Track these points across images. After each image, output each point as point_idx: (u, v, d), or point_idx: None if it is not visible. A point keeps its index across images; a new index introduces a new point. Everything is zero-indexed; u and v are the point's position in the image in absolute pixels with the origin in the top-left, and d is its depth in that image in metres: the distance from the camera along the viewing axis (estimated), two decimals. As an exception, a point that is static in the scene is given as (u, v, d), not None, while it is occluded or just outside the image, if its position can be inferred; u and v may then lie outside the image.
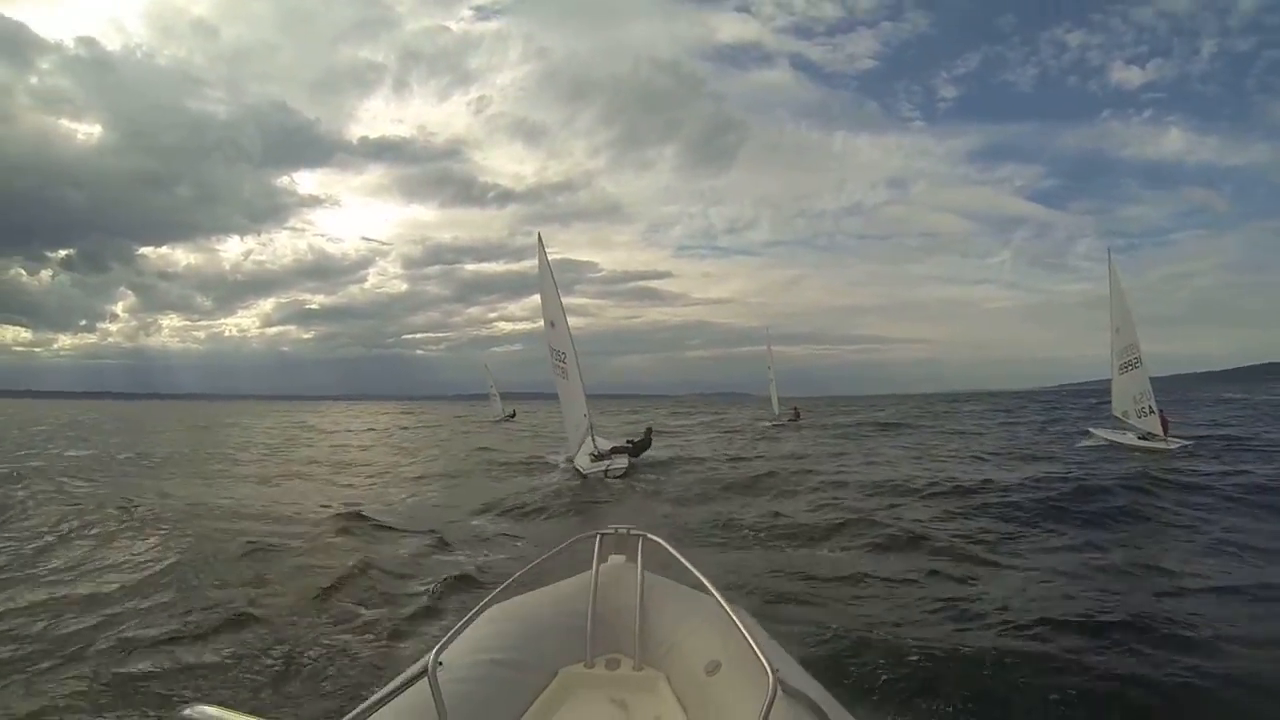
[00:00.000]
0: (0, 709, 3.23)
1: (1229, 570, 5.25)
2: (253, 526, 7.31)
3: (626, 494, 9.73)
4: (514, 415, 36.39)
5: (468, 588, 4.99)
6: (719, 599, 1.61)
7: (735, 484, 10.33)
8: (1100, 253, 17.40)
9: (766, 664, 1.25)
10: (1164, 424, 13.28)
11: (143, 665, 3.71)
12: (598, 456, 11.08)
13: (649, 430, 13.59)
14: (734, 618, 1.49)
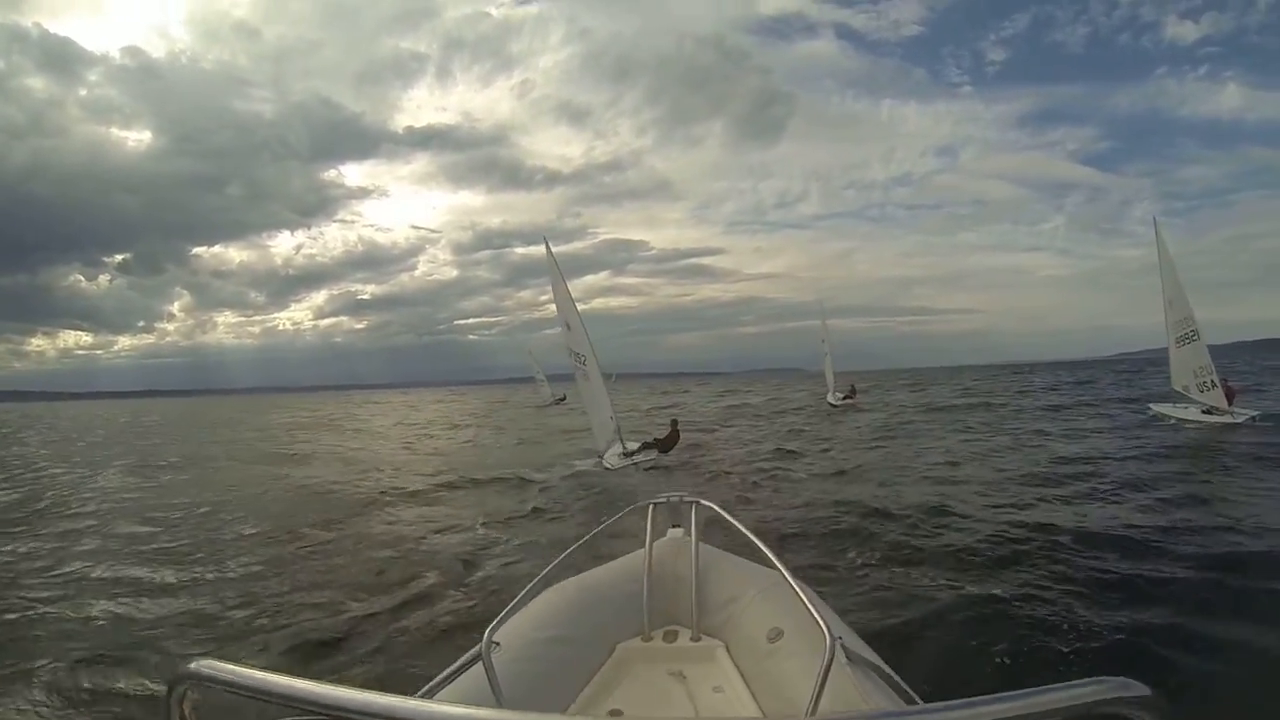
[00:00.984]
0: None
1: None
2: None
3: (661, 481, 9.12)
4: (564, 399, 36.00)
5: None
6: (779, 565, 1.58)
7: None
8: (1157, 215, 15.60)
9: (827, 630, 1.23)
10: (1229, 395, 12.72)
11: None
12: (627, 454, 10.82)
13: (674, 423, 12.41)
14: (794, 584, 1.46)
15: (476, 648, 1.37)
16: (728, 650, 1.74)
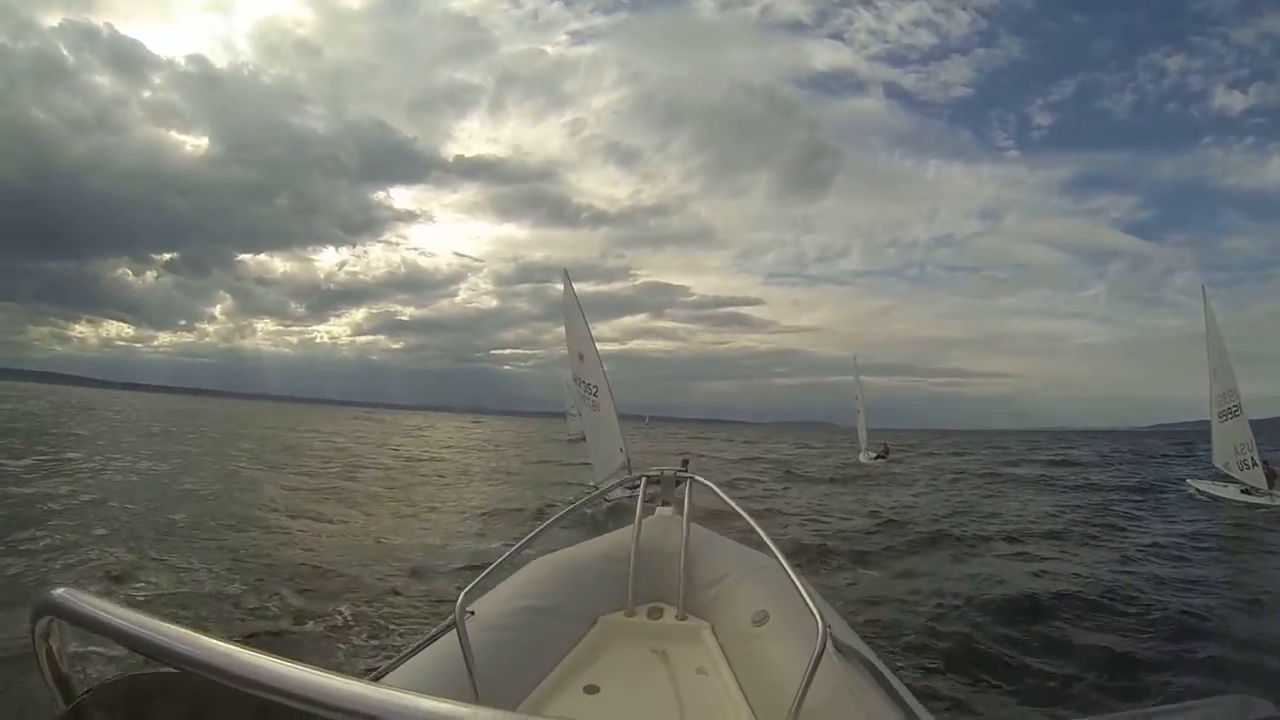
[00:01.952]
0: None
1: None
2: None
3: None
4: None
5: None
6: (772, 548, 1.53)
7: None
8: (1199, 287, 15.24)
9: (819, 616, 1.17)
10: (1270, 476, 11.96)
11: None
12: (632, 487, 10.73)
13: (685, 464, 12.36)
14: (785, 568, 1.40)
15: (451, 616, 1.34)
16: (713, 631, 1.70)
